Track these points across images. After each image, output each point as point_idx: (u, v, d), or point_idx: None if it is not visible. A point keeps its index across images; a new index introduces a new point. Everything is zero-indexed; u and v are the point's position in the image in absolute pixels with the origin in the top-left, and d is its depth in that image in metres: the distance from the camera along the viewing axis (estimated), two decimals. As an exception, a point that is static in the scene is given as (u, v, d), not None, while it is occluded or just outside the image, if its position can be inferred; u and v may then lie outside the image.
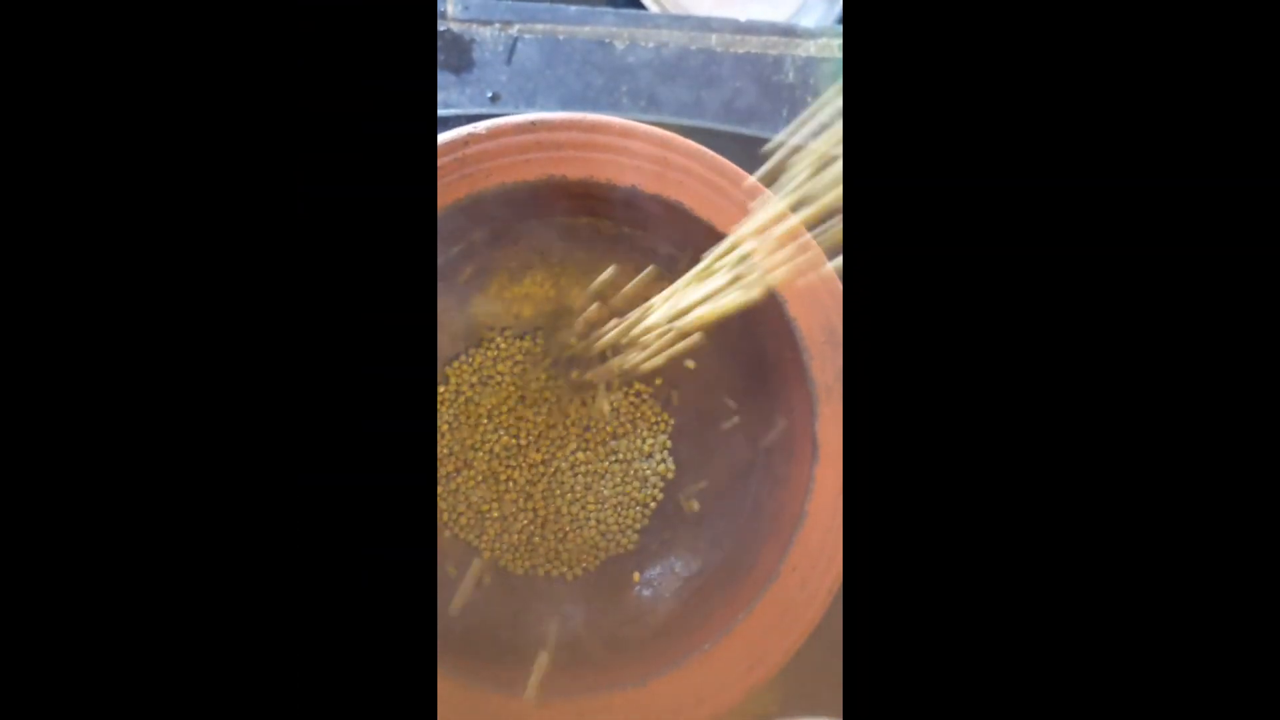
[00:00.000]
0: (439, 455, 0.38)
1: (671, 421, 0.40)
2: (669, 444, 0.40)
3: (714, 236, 0.34)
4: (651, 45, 0.61)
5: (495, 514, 0.38)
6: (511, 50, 0.55)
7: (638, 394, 0.40)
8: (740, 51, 0.62)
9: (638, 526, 0.39)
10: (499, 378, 0.39)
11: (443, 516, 0.38)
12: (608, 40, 0.60)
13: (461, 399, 0.38)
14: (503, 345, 0.39)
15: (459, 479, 0.38)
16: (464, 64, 0.57)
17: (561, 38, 0.59)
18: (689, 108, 0.61)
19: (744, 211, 0.33)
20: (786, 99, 0.62)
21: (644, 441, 0.40)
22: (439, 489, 0.38)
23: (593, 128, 0.31)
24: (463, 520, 0.38)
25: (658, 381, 0.40)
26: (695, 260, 0.38)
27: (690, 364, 0.40)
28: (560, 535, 0.39)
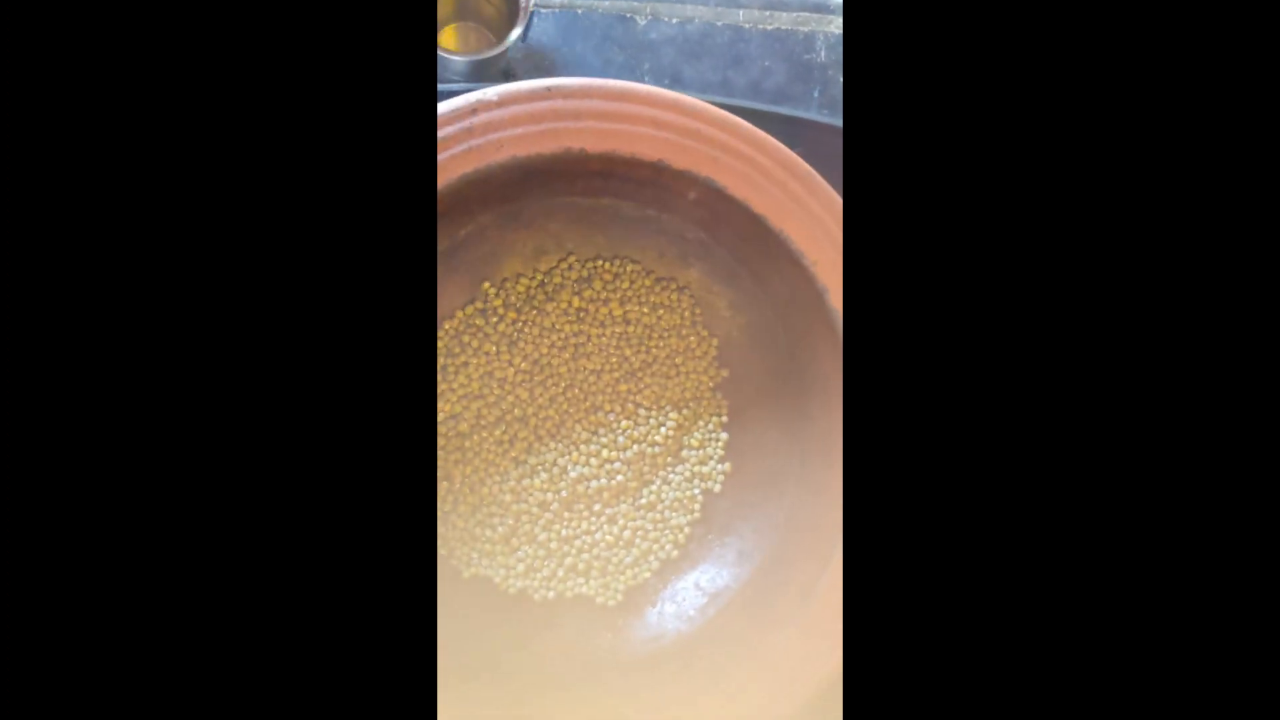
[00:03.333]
0: (441, 461, 0.35)
1: (727, 406, 0.37)
2: (724, 437, 0.37)
3: (749, 219, 0.30)
4: (675, 21, 0.58)
5: (499, 527, 0.35)
6: (527, 24, 0.52)
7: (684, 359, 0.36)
8: (769, 28, 0.58)
9: (679, 544, 0.36)
10: (506, 366, 0.35)
11: (445, 532, 0.35)
12: (629, 15, 0.57)
13: (465, 391, 0.35)
14: (498, 350, 0.35)
15: (456, 486, 0.35)
16: (476, 39, 0.54)
17: (580, 11, 0.56)
18: (714, 87, 0.58)
19: (784, 191, 0.29)
20: (818, 79, 0.58)
21: (696, 429, 0.36)
22: (441, 493, 0.35)
23: (617, 95, 0.28)
24: (460, 534, 0.35)
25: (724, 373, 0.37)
26: (729, 247, 0.35)
27: (715, 341, 0.36)
28: (577, 551, 0.36)
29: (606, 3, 0.57)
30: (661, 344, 0.36)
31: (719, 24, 0.58)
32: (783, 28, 0.59)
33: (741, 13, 0.59)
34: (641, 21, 0.58)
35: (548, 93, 0.27)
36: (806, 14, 0.59)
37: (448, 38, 0.53)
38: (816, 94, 0.58)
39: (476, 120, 0.27)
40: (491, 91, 0.27)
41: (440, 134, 0.27)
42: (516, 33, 0.49)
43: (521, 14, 0.49)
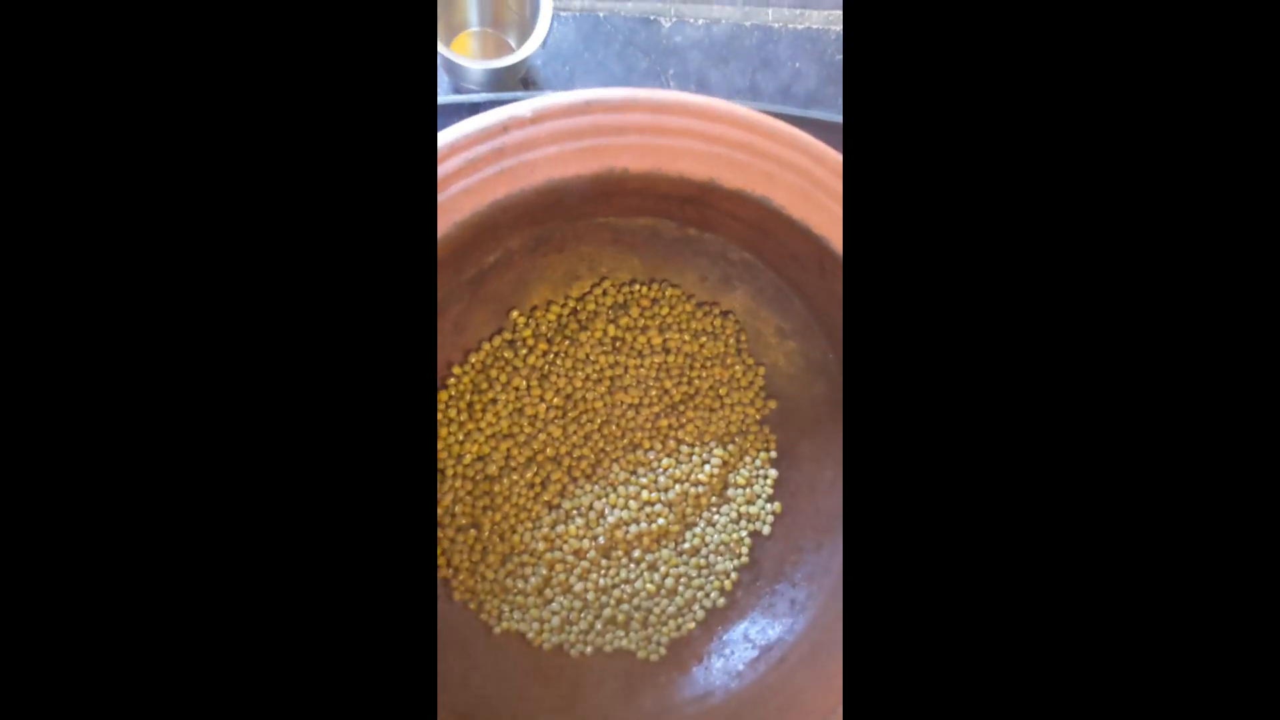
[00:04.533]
0: (456, 505, 0.32)
1: (775, 441, 0.34)
2: (773, 474, 0.34)
3: (803, 238, 0.28)
4: (701, 23, 0.55)
5: (532, 577, 0.32)
6: (547, 30, 0.49)
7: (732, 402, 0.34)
8: (799, 28, 0.55)
9: (726, 591, 0.33)
10: (533, 400, 0.32)
11: (455, 577, 0.32)
12: (652, 17, 0.54)
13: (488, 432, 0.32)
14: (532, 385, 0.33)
15: (475, 531, 0.32)
16: (493, 45, 0.51)
17: (602, 15, 0.53)
18: (743, 92, 0.55)
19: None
20: (852, 81, 0.55)
21: (743, 467, 0.33)
22: (454, 539, 0.32)
23: (661, 107, 0.25)
24: (485, 584, 0.32)
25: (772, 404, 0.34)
26: (777, 267, 0.32)
27: (762, 370, 0.33)
28: (616, 602, 0.33)
29: (629, 5, 0.54)
30: (704, 374, 0.33)
31: (747, 24, 0.55)
32: (814, 27, 0.56)
33: (771, 11, 0.56)
34: (666, 24, 0.55)
35: (587, 107, 0.25)
36: (839, 13, 0.56)
37: (463, 45, 0.50)
38: (850, 97, 0.55)
39: (508, 139, 0.24)
40: (524, 107, 0.24)
41: (467, 155, 0.24)
42: (536, 39, 0.47)
43: (541, 19, 0.46)
